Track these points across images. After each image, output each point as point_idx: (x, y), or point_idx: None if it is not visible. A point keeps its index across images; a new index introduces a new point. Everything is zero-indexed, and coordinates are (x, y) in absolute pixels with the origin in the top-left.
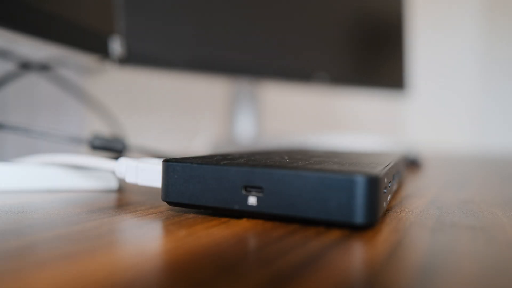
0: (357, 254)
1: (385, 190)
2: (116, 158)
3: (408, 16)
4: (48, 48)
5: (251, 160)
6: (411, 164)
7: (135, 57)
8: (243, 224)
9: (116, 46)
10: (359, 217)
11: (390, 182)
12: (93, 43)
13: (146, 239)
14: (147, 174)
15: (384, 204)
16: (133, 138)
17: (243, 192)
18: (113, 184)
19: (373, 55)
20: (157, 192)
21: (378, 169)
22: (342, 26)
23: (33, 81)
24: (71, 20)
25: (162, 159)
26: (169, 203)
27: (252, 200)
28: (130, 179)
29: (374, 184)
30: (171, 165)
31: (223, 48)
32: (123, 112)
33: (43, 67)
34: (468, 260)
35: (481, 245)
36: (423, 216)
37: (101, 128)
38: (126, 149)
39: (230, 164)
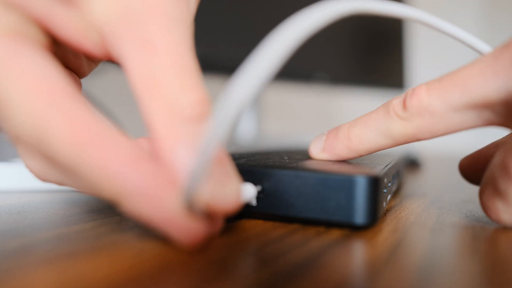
0: (357, 254)
1: (385, 190)
2: None
3: None
4: None
5: (251, 160)
6: (411, 164)
7: None
8: (243, 224)
9: None
10: (359, 217)
11: (390, 182)
12: None
13: (145, 239)
14: None
15: (384, 204)
16: (133, 138)
17: None
18: None
19: (373, 55)
20: None
21: (378, 169)
22: (342, 26)
23: None
24: None
25: None
26: None
27: (252, 200)
28: None
29: (374, 184)
30: None
31: (222, 48)
32: (123, 112)
33: None
34: (468, 260)
35: (480, 245)
36: (423, 216)
37: None
38: None
39: None
